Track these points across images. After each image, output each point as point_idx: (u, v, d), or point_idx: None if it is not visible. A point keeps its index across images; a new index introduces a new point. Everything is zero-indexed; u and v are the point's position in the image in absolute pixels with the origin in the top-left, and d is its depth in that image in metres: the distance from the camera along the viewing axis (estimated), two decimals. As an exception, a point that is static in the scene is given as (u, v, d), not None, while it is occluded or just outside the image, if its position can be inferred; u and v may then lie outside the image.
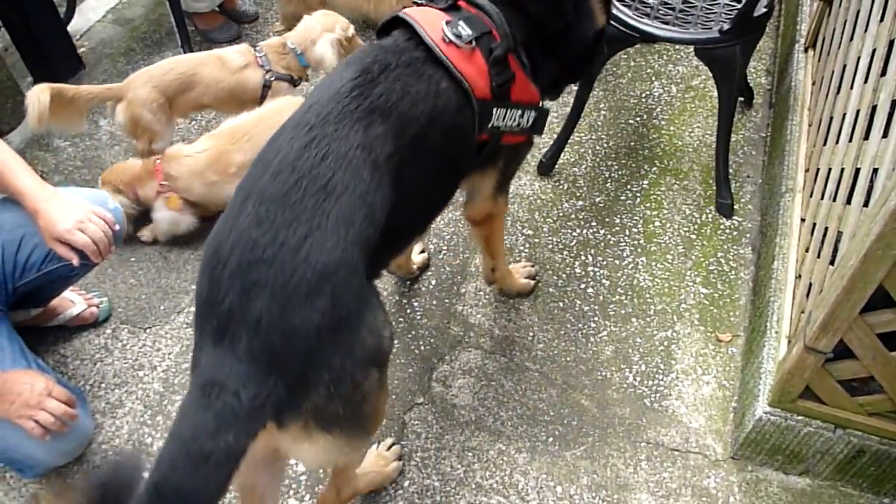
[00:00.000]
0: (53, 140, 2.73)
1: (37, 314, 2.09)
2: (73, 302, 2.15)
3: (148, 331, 2.19)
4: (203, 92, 2.37)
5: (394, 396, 2.02)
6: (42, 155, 2.67)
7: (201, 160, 2.26)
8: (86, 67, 3.01)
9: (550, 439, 1.94)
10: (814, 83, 2.31)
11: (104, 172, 2.35)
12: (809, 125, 2.21)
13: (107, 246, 1.70)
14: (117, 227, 1.76)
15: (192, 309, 2.19)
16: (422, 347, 2.12)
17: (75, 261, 1.67)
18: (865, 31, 1.80)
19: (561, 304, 2.21)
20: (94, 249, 1.66)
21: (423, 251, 2.28)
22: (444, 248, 2.36)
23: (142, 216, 2.36)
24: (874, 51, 1.69)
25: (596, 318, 2.18)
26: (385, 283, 2.26)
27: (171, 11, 2.86)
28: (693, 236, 2.36)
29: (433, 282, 2.27)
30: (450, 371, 2.07)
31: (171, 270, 2.32)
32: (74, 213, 1.66)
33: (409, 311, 2.21)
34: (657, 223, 2.39)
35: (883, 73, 1.58)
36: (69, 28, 2.96)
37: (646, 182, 2.50)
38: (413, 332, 2.15)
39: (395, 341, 2.11)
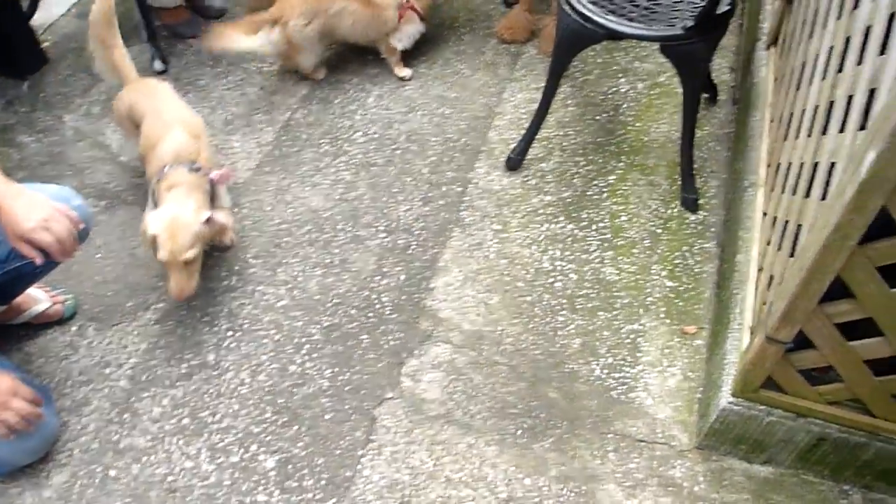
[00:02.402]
0: (17, 136, 2.69)
1: (1, 311, 2.06)
2: (37, 299, 2.13)
3: (114, 328, 2.17)
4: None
5: (363, 392, 2.03)
6: (6, 150, 2.63)
7: None
8: (49, 62, 2.97)
9: (519, 432, 1.96)
10: (775, 80, 2.35)
11: None
12: (771, 121, 2.25)
13: (71, 245, 1.68)
14: (82, 226, 1.74)
15: (160, 305, 2.20)
16: (391, 342, 2.13)
17: (38, 260, 1.65)
18: (824, 28, 1.84)
19: (529, 298, 2.23)
20: (57, 248, 1.64)
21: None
22: (413, 242, 2.36)
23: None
24: (832, 48, 1.73)
25: (564, 312, 2.20)
26: (354, 278, 2.27)
27: (137, 6, 2.83)
28: (659, 231, 2.39)
29: (402, 277, 2.28)
30: (419, 365, 2.08)
31: (138, 267, 2.30)
32: (39, 211, 1.63)
33: (378, 305, 2.21)
34: (624, 218, 2.42)
35: (839, 70, 1.61)
36: (32, 22, 2.92)
37: (613, 177, 2.53)
38: (382, 328, 2.16)
39: (366, 336, 2.13)
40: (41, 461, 1.88)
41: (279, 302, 2.22)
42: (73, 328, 2.18)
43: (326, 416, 1.98)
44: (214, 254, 2.33)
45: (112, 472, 1.88)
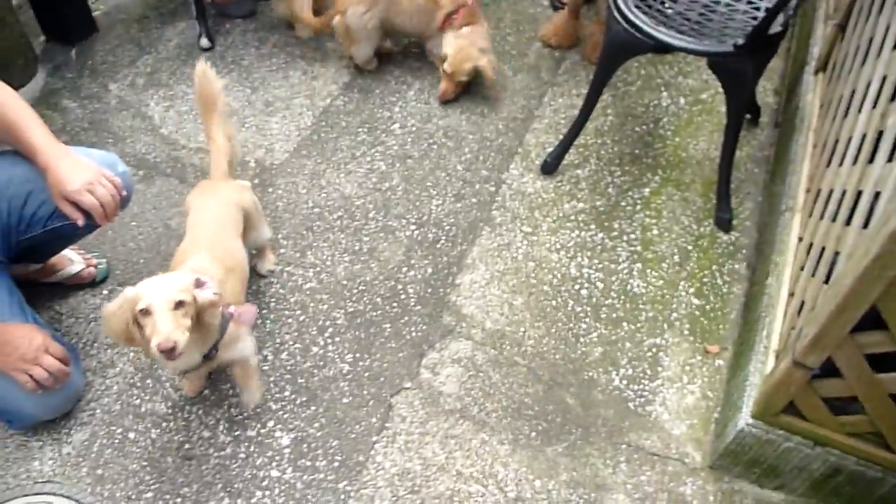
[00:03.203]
0: (62, 100, 2.73)
1: (36, 269, 2.10)
2: (71, 260, 2.16)
3: (143, 295, 2.19)
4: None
5: (382, 379, 2.04)
6: (50, 114, 2.67)
7: None
8: (99, 31, 3.02)
9: (533, 434, 1.96)
10: (821, 106, 2.33)
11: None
12: (814, 146, 2.23)
13: (113, 209, 1.71)
14: (124, 193, 1.77)
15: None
16: (413, 333, 2.14)
17: (80, 221, 1.68)
18: (878, 57, 1.82)
19: (554, 302, 2.23)
20: (100, 212, 1.67)
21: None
22: (443, 237, 2.37)
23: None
24: (885, 77, 1.71)
25: (587, 320, 2.20)
26: (381, 267, 2.28)
27: (189, -18, 2.87)
28: (689, 247, 2.38)
29: (429, 270, 2.29)
30: (439, 359, 2.09)
31: (171, 238, 2.33)
32: (85, 173, 1.67)
33: (403, 296, 2.22)
34: (655, 231, 2.41)
35: (892, 99, 1.60)
36: (85, -11, 2.97)
37: (647, 190, 2.53)
38: (406, 318, 2.17)
39: (389, 325, 2.14)
40: (63, 418, 1.91)
41: (306, 284, 2.24)
42: (104, 291, 2.21)
43: (344, 400, 1.99)
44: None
45: (131, 435, 1.90)
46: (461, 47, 2.67)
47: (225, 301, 1.68)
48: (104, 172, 1.69)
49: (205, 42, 2.96)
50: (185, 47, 2.99)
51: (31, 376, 1.70)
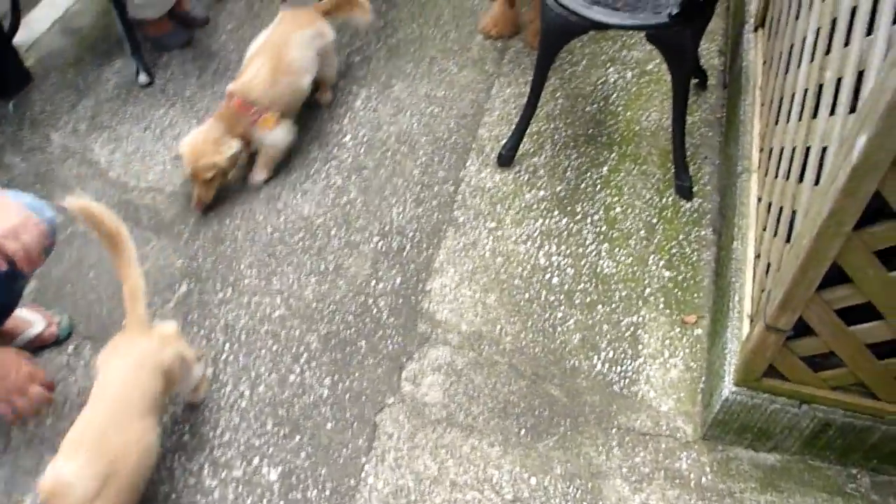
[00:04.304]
0: (4, 157, 2.67)
1: (-6, 337, 2.05)
2: (31, 322, 2.11)
3: (111, 346, 2.15)
4: None
5: (364, 398, 2.01)
6: (-7, 173, 2.61)
7: (265, 72, 2.42)
8: (34, 80, 2.95)
9: (522, 431, 1.95)
10: (764, 63, 2.33)
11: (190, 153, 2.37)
12: (762, 105, 2.23)
13: (38, 257, 1.66)
14: (48, 242, 1.72)
15: (155, 321, 2.19)
16: (390, 347, 2.12)
17: (2, 266, 1.62)
18: (810, 9, 1.82)
19: (527, 295, 2.22)
20: (24, 257, 1.62)
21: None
22: (408, 245, 2.35)
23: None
24: (819, 29, 1.71)
25: (562, 308, 2.18)
26: (349, 284, 2.25)
27: (119, 20, 2.81)
28: (654, 220, 2.37)
29: (398, 280, 2.26)
30: (419, 369, 2.07)
31: (132, 283, 2.28)
32: (11, 218, 1.62)
33: (374, 311, 2.19)
34: (618, 209, 2.40)
35: (827, 52, 1.59)
36: (15, 41, 2.90)
37: (605, 169, 2.51)
38: (380, 332, 2.15)
39: (364, 342, 2.12)
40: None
41: (275, 312, 2.21)
42: (70, 348, 2.17)
43: (327, 426, 1.97)
44: (208, 266, 2.31)
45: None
46: (194, 146, 2.37)
47: None
48: (31, 218, 1.65)
49: (143, 78, 2.91)
50: (124, 86, 2.93)
51: (15, 408, 1.65)
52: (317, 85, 2.70)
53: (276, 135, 2.47)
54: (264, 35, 2.54)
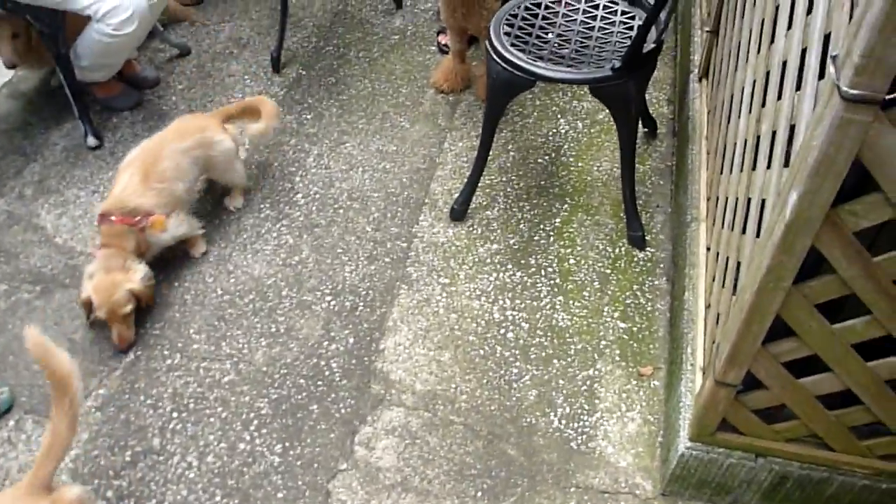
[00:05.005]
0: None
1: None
2: (-31, 397, 2.03)
3: (54, 419, 2.07)
4: None
5: (316, 465, 1.95)
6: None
7: (136, 181, 2.29)
8: (-20, 145, 2.90)
9: (479, 493, 1.89)
10: (709, 112, 2.36)
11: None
12: (708, 153, 2.25)
13: None
14: None
15: (101, 392, 2.12)
16: (342, 410, 2.06)
17: None
18: (746, 62, 1.84)
19: (482, 351, 2.18)
20: None
21: None
22: (361, 303, 2.31)
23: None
24: (755, 81, 1.73)
25: (517, 364, 2.15)
26: (301, 346, 2.20)
27: (65, 84, 2.78)
28: (608, 271, 2.36)
29: (351, 340, 2.22)
30: (373, 432, 2.02)
31: (76, 352, 2.21)
32: None
33: (327, 372, 2.15)
34: (572, 261, 2.39)
35: (763, 104, 1.61)
36: (-41, 106, 2.86)
37: (558, 220, 2.51)
38: (332, 395, 2.09)
39: (316, 406, 2.06)
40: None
41: (225, 377, 2.15)
42: (11, 423, 2.08)
43: (279, 495, 1.90)
44: (156, 332, 2.25)
45: None
46: (101, 285, 2.16)
47: None
48: None
49: (92, 140, 2.87)
50: (72, 149, 2.89)
51: None
52: (227, 188, 2.62)
53: (173, 231, 2.35)
54: (140, 145, 2.42)
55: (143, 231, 2.27)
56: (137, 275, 2.21)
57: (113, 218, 2.23)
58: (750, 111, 1.73)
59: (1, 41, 2.67)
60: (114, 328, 2.19)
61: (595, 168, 2.67)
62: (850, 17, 1.07)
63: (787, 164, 1.36)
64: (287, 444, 2.00)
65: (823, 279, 1.29)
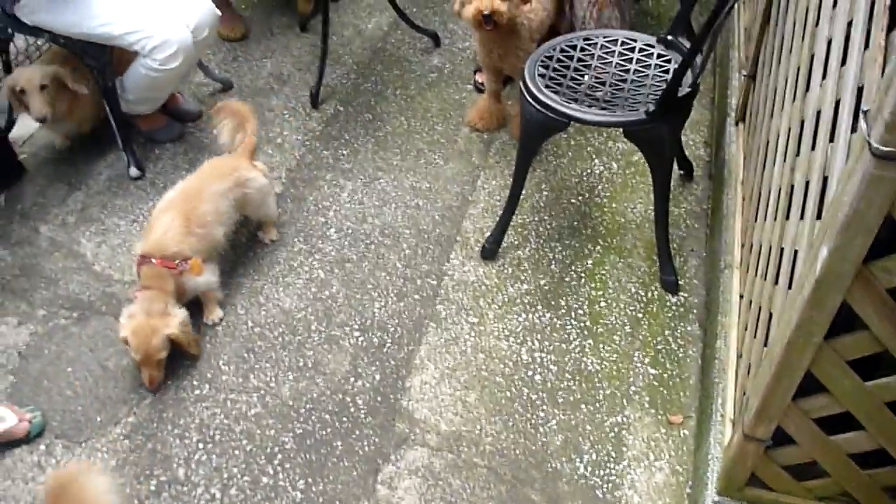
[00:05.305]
0: (-10, 250, 2.68)
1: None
2: (2, 418, 2.07)
3: (83, 444, 2.10)
4: None
5: (337, 502, 1.94)
6: (-22, 265, 2.62)
7: (177, 225, 2.28)
8: (28, 172, 2.99)
9: (501, 540, 1.87)
10: (745, 157, 2.33)
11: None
12: (743, 199, 2.22)
13: None
14: None
15: (130, 420, 2.14)
16: (366, 448, 2.05)
17: None
18: (782, 109, 1.82)
19: (508, 393, 2.16)
20: None
21: None
22: (389, 340, 2.31)
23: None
24: (790, 129, 1.70)
25: (544, 407, 2.13)
26: (327, 381, 2.21)
27: (111, 115, 2.86)
28: (639, 315, 2.33)
29: (377, 377, 2.22)
30: (395, 472, 2.00)
31: (109, 379, 2.25)
32: None
33: (352, 408, 2.14)
34: (603, 303, 2.37)
35: (797, 153, 1.59)
36: (10, 136, 2.95)
37: (590, 261, 2.49)
38: (357, 432, 2.09)
39: (340, 442, 2.06)
40: None
41: (251, 410, 2.16)
42: (42, 447, 2.11)
43: (299, 533, 1.89)
44: (185, 362, 2.28)
45: None
46: (139, 329, 2.15)
47: None
48: None
49: (134, 171, 2.94)
50: (115, 179, 2.96)
51: None
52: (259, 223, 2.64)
53: (208, 276, 2.35)
54: (178, 186, 2.42)
55: (182, 275, 2.28)
56: (176, 319, 2.20)
57: (154, 260, 2.25)
58: (785, 159, 1.70)
59: (32, 94, 2.72)
60: (144, 371, 2.19)
61: (629, 210, 2.65)
62: (882, 72, 1.05)
63: (819, 216, 1.34)
64: (310, 479, 1.99)
65: (856, 335, 1.26)
